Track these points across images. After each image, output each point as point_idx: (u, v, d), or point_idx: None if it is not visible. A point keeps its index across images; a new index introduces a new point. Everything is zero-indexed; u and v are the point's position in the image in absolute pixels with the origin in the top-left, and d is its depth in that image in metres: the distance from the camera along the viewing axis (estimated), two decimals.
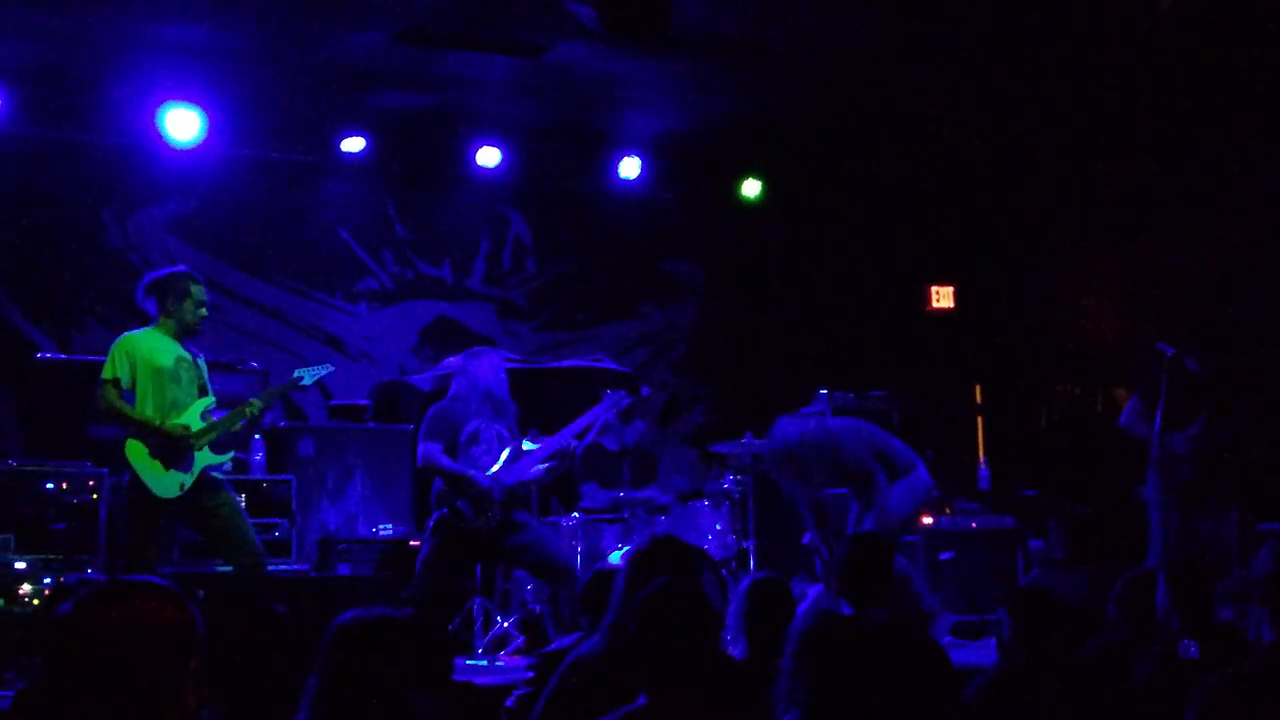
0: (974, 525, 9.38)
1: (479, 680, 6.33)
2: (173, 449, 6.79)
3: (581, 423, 7.93)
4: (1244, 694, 2.90)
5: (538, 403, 8.71)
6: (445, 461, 7.47)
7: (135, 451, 6.78)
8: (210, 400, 7.03)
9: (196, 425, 6.87)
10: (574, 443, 7.93)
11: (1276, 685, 2.88)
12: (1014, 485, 10.30)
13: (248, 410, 7.02)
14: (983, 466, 10.26)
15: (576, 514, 8.85)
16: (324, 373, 7.49)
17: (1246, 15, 8.82)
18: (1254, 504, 8.93)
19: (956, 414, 11.39)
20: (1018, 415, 11.47)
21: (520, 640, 7.94)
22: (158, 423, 6.79)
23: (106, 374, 6.85)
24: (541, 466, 7.67)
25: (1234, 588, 7.58)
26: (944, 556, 9.14)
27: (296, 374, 7.30)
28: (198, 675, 2.63)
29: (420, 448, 7.62)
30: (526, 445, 7.67)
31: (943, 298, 12.66)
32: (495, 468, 7.49)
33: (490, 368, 7.78)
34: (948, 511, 9.57)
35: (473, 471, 7.44)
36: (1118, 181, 11.12)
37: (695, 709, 3.27)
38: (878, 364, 11.42)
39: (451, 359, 10.38)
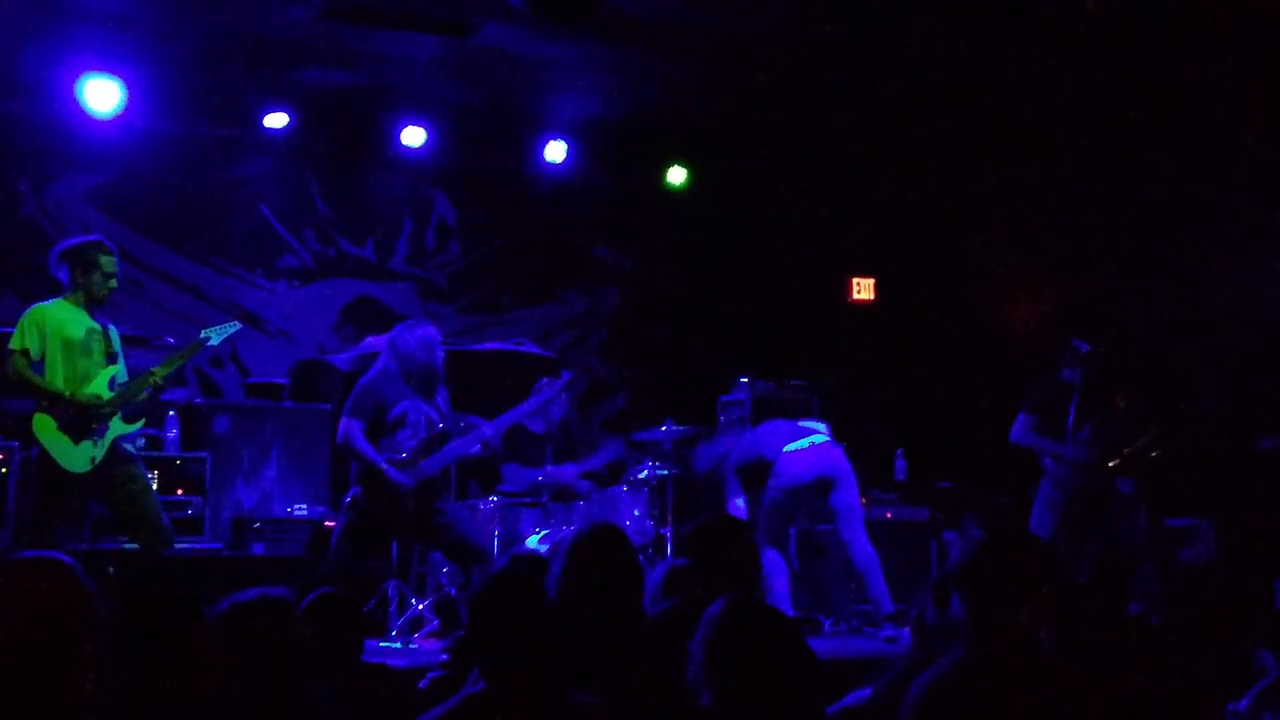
0: (889, 516, 9.47)
1: (393, 663, 6.30)
2: (83, 420, 6.69)
3: (520, 412, 7.81)
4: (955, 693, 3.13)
5: (457, 385, 8.66)
6: (362, 445, 7.33)
7: (43, 426, 6.67)
8: (118, 368, 6.92)
9: (106, 394, 6.78)
10: (499, 430, 7.78)
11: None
12: (930, 477, 10.39)
13: (150, 378, 6.91)
14: (899, 458, 10.34)
15: (494, 498, 8.82)
16: (230, 331, 7.30)
17: (1168, 17, 8.94)
18: (1161, 501, 9.11)
19: (875, 405, 11.47)
20: (935, 407, 11.57)
21: (435, 623, 7.90)
22: (68, 394, 6.69)
23: (15, 344, 6.75)
24: (466, 452, 7.61)
25: (1143, 583, 7.72)
26: None
27: (202, 334, 7.16)
28: (97, 657, 2.52)
29: (341, 423, 7.47)
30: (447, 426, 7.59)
31: (864, 289, 12.76)
32: (414, 455, 7.38)
33: (424, 341, 7.57)
34: (864, 502, 9.64)
35: (384, 465, 7.27)
36: (1038, 177, 11.25)
37: (532, 693, 3.33)
38: (799, 354, 11.49)
39: (373, 338, 10.34)
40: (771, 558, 8.11)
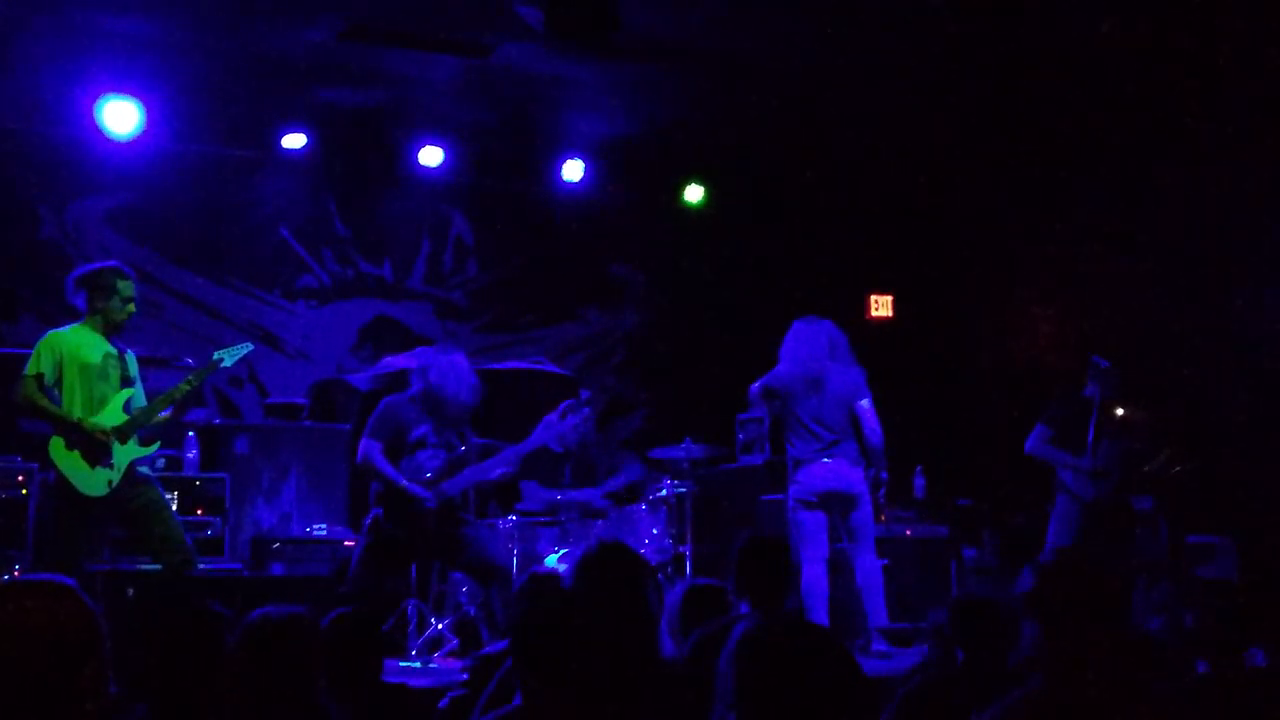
0: (908, 533, 9.43)
1: (413, 682, 6.29)
2: (93, 446, 6.68)
3: (544, 437, 7.74)
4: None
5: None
6: (382, 464, 7.29)
7: (58, 449, 6.66)
8: (132, 392, 6.90)
9: (119, 419, 6.76)
10: (526, 452, 7.72)
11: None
12: (949, 494, 10.36)
13: (163, 402, 6.89)
14: (918, 475, 10.30)
15: (513, 516, 8.81)
16: (244, 352, 7.25)
17: (1181, 38, 8.93)
18: (1181, 518, 9.08)
19: (893, 422, 11.43)
20: (954, 424, 11.54)
21: (454, 643, 7.90)
22: (76, 419, 6.68)
23: (30, 369, 6.73)
24: (489, 476, 7.60)
25: (1164, 598, 7.68)
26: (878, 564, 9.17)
27: (216, 356, 7.12)
28: (99, 677, 2.50)
29: (361, 443, 7.42)
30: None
31: (882, 306, 12.74)
32: (436, 477, 7.37)
33: (453, 372, 7.45)
34: (882, 519, 9.61)
35: (405, 482, 7.23)
36: (1056, 193, 11.23)
37: (570, 710, 3.31)
38: None
39: (392, 357, 10.34)
40: (812, 576, 8.07)
